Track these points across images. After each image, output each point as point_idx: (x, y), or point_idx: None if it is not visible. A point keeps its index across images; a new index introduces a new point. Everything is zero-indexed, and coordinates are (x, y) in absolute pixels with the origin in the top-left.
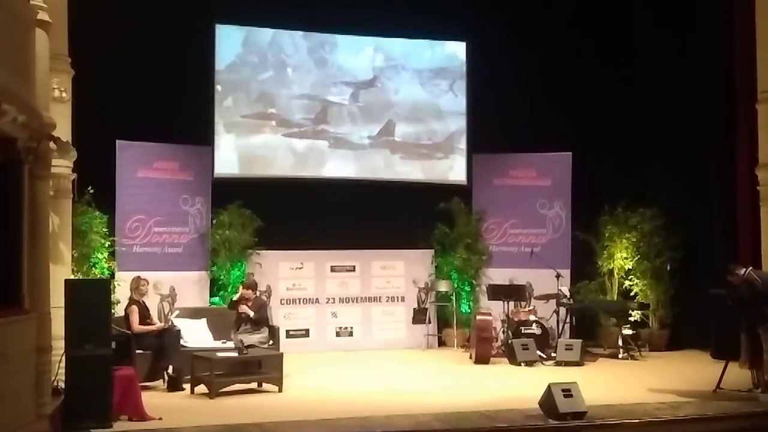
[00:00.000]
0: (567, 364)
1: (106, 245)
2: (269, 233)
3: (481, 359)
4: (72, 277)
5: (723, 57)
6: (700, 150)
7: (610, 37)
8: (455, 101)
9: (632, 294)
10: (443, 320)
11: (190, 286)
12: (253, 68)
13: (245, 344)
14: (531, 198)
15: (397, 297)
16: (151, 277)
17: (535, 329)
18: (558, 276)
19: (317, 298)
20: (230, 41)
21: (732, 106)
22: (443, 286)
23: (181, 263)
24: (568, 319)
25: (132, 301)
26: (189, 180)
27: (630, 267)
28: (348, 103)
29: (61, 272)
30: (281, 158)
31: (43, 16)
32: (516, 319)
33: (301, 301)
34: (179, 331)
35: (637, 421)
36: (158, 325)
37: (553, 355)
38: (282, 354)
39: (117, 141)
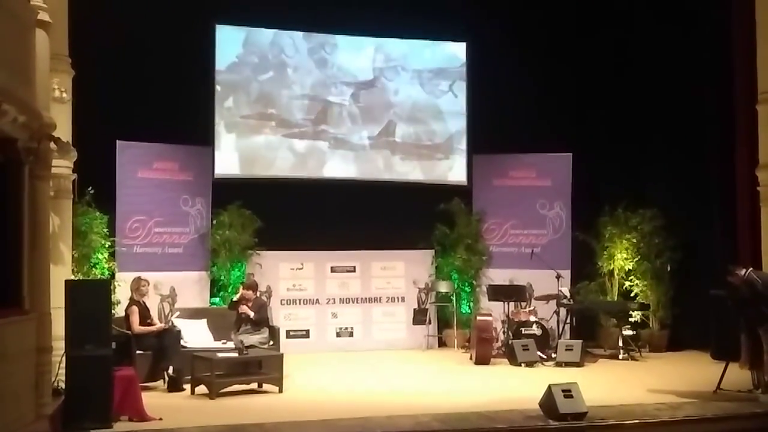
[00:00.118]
0: (567, 364)
1: (107, 246)
2: (269, 234)
3: (482, 360)
4: (72, 277)
5: (723, 57)
6: (700, 151)
7: (610, 38)
8: (455, 102)
9: (632, 295)
10: (443, 321)
11: (191, 287)
12: (254, 69)
13: (245, 345)
14: (531, 198)
15: (398, 297)
16: (152, 277)
17: (535, 330)
18: (558, 277)
19: (317, 299)
20: (231, 42)
21: (732, 106)
22: (443, 287)
23: (181, 264)
24: (568, 320)
25: (132, 301)
26: (189, 180)
27: (630, 268)
28: (348, 103)
29: (61, 273)
30: (281, 159)
31: (43, 16)
32: (516, 320)
33: (302, 301)
34: (179, 331)
35: (637, 421)
36: (158, 325)
37: (553, 355)
38: (282, 354)
39: (117, 141)
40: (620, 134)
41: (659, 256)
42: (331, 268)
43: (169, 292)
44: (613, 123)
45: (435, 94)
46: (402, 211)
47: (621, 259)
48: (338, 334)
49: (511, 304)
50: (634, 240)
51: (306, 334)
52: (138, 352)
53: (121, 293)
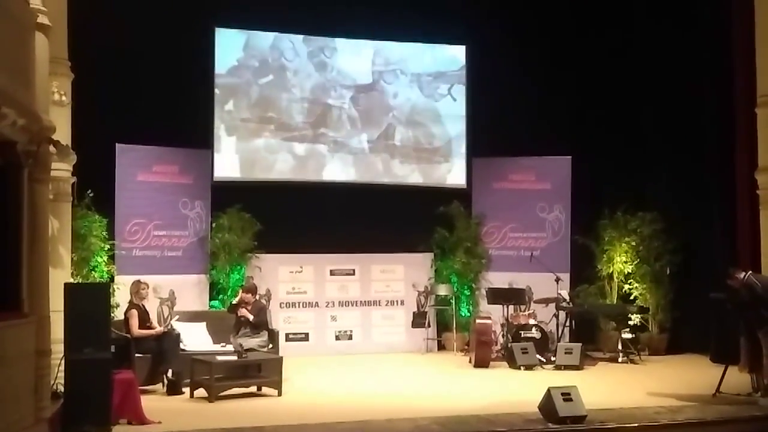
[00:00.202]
0: (566, 367)
1: (106, 249)
2: (269, 237)
3: (481, 363)
4: (71, 280)
5: (723, 59)
6: (699, 154)
7: (609, 41)
8: (455, 105)
9: (632, 298)
10: (443, 324)
11: (190, 290)
12: (254, 72)
13: (245, 348)
14: (531, 202)
15: (397, 301)
16: (151, 280)
17: (534, 333)
18: (557, 280)
19: (317, 302)
20: (232, 45)
21: (732, 109)
22: (443, 290)
23: (180, 267)
24: (567, 323)
25: (132, 305)
26: (188, 183)
27: (629, 271)
28: (348, 107)
29: (60, 276)
30: (281, 162)
31: (42, 19)
32: (515, 323)
33: (301, 304)
34: (179, 334)
35: (636, 425)
36: (158, 329)
37: (552, 359)
38: (281, 357)
39: (116, 144)
40: (620, 137)
41: (659, 259)
42: (331, 271)
43: (168, 296)
44: (612, 126)
45: (434, 97)
46: (401, 214)
47: (620, 262)
48: (337, 338)
49: (511, 307)
50: (634, 243)
51: (305, 338)
52: (137, 355)
53: (121, 296)
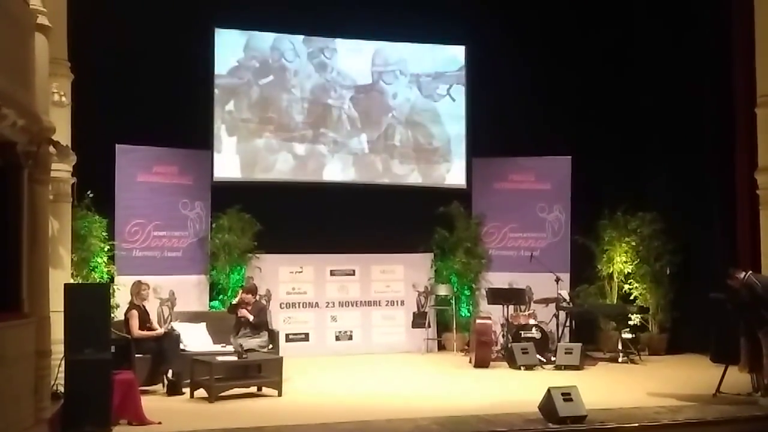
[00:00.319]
0: (567, 368)
1: (106, 249)
2: (269, 237)
3: (481, 363)
4: (71, 281)
5: (722, 61)
6: (699, 154)
7: (609, 41)
8: (454, 105)
9: (632, 298)
10: (443, 324)
11: (190, 290)
12: (255, 73)
13: (245, 348)
14: (530, 202)
15: (397, 301)
16: (151, 281)
17: (534, 333)
18: (557, 280)
19: (317, 302)
20: (232, 46)
21: (731, 110)
22: (443, 290)
23: (180, 267)
24: (567, 323)
25: (132, 305)
26: (188, 184)
27: (629, 271)
28: (347, 107)
29: (60, 276)
30: (281, 162)
31: (42, 20)
32: (516, 323)
33: (301, 305)
34: (179, 335)
35: (636, 425)
36: (158, 331)
37: (552, 359)
38: (281, 358)
39: (116, 145)
40: (620, 137)
41: (659, 259)
42: (331, 271)
43: (168, 296)
44: (612, 126)
45: (433, 97)
46: (401, 214)
47: (620, 262)
48: (338, 338)
49: (511, 307)
50: (634, 243)
51: (305, 338)
52: (137, 355)
53: (121, 297)
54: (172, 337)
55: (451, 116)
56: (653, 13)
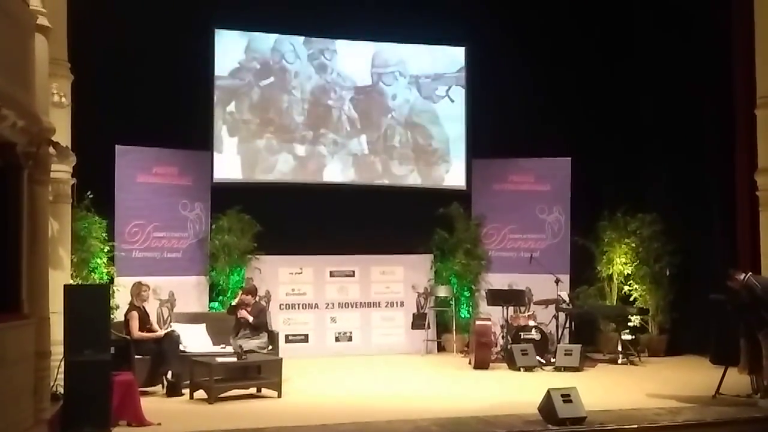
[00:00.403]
0: (566, 369)
1: (105, 250)
2: (268, 238)
3: (481, 364)
4: (71, 282)
5: (722, 62)
6: (699, 155)
7: (609, 43)
8: (454, 106)
9: (631, 299)
10: (442, 325)
11: (189, 291)
12: (255, 74)
13: (244, 349)
14: (530, 203)
15: (397, 302)
16: (151, 282)
17: (534, 334)
18: (557, 281)
19: (316, 303)
20: (233, 47)
21: (731, 110)
22: (442, 291)
23: (180, 268)
24: (567, 324)
25: (132, 306)
26: (188, 185)
27: (629, 272)
28: (347, 108)
29: (60, 277)
30: (281, 163)
31: (42, 21)
32: (515, 324)
33: (301, 306)
34: (178, 336)
35: (636, 426)
36: (158, 333)
37: (552, 360)
38: (281, 359)
39: (116, 146)
40: (619, 139)
41: (658, 261)
42: (330, 272)
43: (167, 297)
44: (612, 127)
45: (432, 98)
46: (401, 215)
47: (620, 263)
48: (337, 339)
49: (510, 308)
50: (633, 244)
51: (305, 339)
52: (137, 356)
53: (120, 298)
54: (171, 338)
55: (450, 117)
56: (653, 14)
